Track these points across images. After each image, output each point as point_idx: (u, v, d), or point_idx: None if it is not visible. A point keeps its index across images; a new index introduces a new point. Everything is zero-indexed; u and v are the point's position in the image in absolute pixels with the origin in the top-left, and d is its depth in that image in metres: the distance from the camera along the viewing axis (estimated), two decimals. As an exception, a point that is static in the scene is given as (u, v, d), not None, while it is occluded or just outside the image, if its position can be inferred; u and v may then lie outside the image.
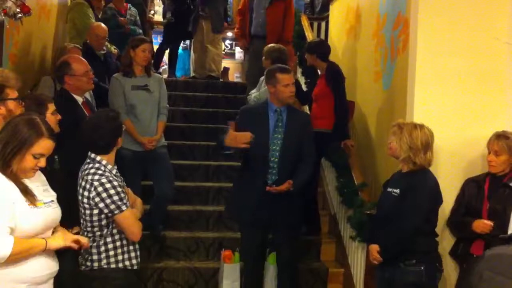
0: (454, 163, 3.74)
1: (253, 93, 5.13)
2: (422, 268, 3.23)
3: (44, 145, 2.46)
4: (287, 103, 3.99)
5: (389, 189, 3.42)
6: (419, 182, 3.28)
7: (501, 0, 3.84)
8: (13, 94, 2.90)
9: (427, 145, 3.29)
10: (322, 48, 5.14)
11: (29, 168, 2.45)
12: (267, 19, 6.27)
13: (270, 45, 5.37)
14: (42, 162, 2.48)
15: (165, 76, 8.35)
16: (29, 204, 2.41)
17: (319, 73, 5.34)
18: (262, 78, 5.41)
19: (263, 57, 5.24)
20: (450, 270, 3.72)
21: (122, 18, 6.97)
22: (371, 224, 3.72)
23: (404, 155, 3.30)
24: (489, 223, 3.39)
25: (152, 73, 4.84)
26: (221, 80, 8.38)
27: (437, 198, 3.34)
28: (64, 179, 3.12)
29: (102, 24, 5.71)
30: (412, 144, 3.27)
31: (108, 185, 2.88)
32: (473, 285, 1.30)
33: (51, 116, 3.29)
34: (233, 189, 4.33)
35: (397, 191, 3.33)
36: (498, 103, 3.81)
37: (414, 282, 3.22)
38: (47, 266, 2.48)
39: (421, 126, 3.33)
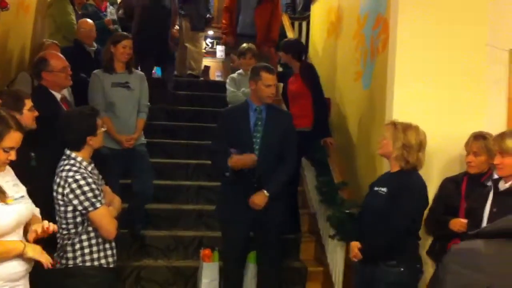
0: (433, 162, 3.77)
1: (244, 90, 5.12)
2: (402, 269, 3.22)
3: (14, 138, 2.43)
4: (267, 102, 3.99)
5: (376, 188, 3.40)
6: (411, 182, 3.28)
7: (481, 1, 3.88)
8: None
9: (421, 145, 3.31)
10: (296, 47, 5.16)
11: (1, 163, 2.42)
12: (255, 19, 6.30)
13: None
14: (13, 155, 2.45)
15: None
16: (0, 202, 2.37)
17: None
18: (235, 75, 5.43)
19: (249, 54, 5.27)
20: (427, 269, 3.73)
21: (106, 19, 6.94)
22: (355, 222, 3.71)
23: (397, 152, 3.29)
24: (466, 221, 3.41)
25: (133, 70, 4.80)
26: (201, 78, 8.35)
27: (425, 200, 3.36)
28: (41, 176, 3.07)
29: (88, 19, 5.70)
30: (406, 142, 3.28)
31: (82, 182, 2.85)
32: (440, 278, 1.31)
33: (28, 112, 3.25)
34: (219, 190, 4.33)
35: (384, 189, 3.31)
36: (477, 103, 3.85)
37: (394, 282, 3.21)
38: (22, 263, 2.45)
39: (416, 127, 3.34)
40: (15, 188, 2.51)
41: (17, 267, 2.41)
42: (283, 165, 3.95)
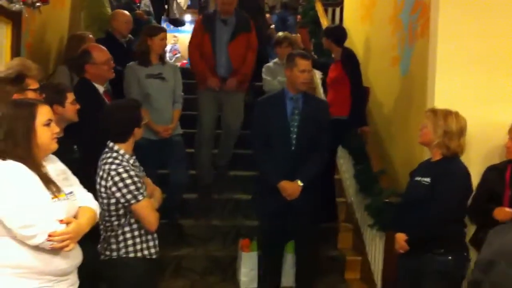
0: (476, 150, 3.68)
1: (279, 79, 5.09)
2: (450, 257, 3.17)
3: (46, 110, 2.41)
4: (301, 90, 3.97)
5: (418, 178, 3.35)
6: (453, 170, 3.23)
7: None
8: (34, 84, 2.88)
9: (461, 131, 3.26)
10: (337, 33, 5.12)
11: (49, 140, 2.39)
12: (229, 56, 5.07)
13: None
14: (55, 128, 2.42)
15: (178, 64, 8.33)
16: (52, 198, 2.35)
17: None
18: (271, 64, 5.38)
19: (286, 43, 5.23)
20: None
21: (138, 11, 6.96)
22: (397, 212, 3.67)
23: (438, 140, 3.25)
24: (510, 210, 3.34)
25: (166, 61, 4.83)
26: None
27: (469, 187, 3.30)
28: (84, 169, 3.10)
29: (125, 11, 5.71)
30: (447, 128, 3.23)
31: (125, 175, 2.87)
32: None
33: (71, 106, 3.28)
34: (255, 179, 4.34)
35: (428, 179, 3.26)
36: (520, 90, 3.75)
37: (442, 271, 3.16)
38: (72, 257, 2.44)
39: (456, 113, 3.29)
40: (65, 182, 2.50)
41: (66, 262, 2.41)
42: (317, 155, 3.93)
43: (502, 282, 0.91)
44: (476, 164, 3.68)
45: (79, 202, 2.54)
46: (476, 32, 3.73)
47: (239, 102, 5.20)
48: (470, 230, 3.66)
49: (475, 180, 3.63)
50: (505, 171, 3.52)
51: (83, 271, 2.67)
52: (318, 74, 6.53)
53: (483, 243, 3.49)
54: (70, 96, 3.30)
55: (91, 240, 2.88)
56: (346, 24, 6.65)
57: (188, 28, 11.93)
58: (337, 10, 7.44)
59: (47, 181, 2.37)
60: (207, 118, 5.16)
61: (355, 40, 6.05)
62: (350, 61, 4.89)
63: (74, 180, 2.61)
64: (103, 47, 4.09)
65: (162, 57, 4.77)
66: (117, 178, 2.87)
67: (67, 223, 2.34)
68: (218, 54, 5.08)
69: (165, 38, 4.68)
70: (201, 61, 5.09)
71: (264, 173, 3.98)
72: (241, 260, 4.40)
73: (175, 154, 4.72)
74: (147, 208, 2.95)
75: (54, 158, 2.55)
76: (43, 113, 2.40)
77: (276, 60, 5.40)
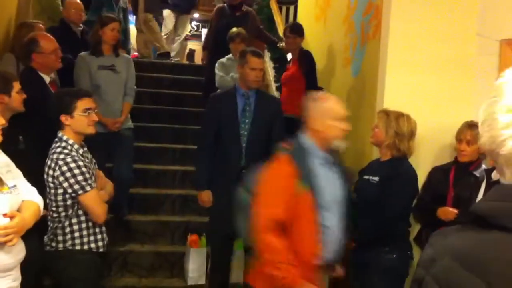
0: (422, 151, 3.78)
1: (233, 75, 5.07)
2: (395, 256, 3.27)
3: None
4: (252, 87, 3.96)
5: (367, 177, 3.42)
6: (404, 170, 3.30)
7: (473, -10, 3.89)
8: None
9: (412, 134, 3.35)
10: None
11: None
12: None
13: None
14: (0, 119, 2.37)
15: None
16: None
17: (289, 57, 5.33)
18: (224, 59, 5.36)
19: (238, 39, 5.20)
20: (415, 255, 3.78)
21: None
22: None
23: (389, 140, 3.32)
24: (454, 210, 3.44)
25: (120, 53, 4.74)
26: (173, 54, 8.25)
27: (415, 188, 3.39)
28: (30, 159, 3.01)
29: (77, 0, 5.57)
30: (398, 130, 3.30)
31: (72, 165, 2.80)
32: None
33: (17, 95, 3.18)
34: None
35: (376, 178, 3.34)
36: (467, 93, 3.86)
37: (387, 268, 3.25)
38: (16, 252, 2.37)
39: (408, 115, 3.38)
40: (8, 175, 2.43)
41: (8, 258, 2.34)
42: (269, 153, 3.93)
43: (444, 274, 0.94)
44: (424, 164, 3.78)
45: (23, 196, 2.47)
46: (427, 35, 3.83)
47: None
48: (415, 228, 3.77)
49: (422, 179, 3.73)
50: (450, 172, 3.63)
51: (26, 266, 2.60)
52: (271, 72, 6.57)
53: (427, 242, 3.60)
54: (16, 85, 3.20)
55: (36, 234, 2.81)
56: (300, 23, 6.70)
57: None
58: (291, 8, 7.50)
59: None
60: None
61: (309, 40, 6.11)
62: (309, 61, 4.93)
63: (18, 173, 2.54)
64: (51, 36, 3.98)
65: (115, 48, 4.67)
66: (64, 168, 2.80)
67: (11, 217, 2.27)
68: None
69: (115, 29, 4.57)
70: None
71: (196, 173, 3.97)
72: (190, 256, 4.37)
73: (121, 148, 4.62)
74: (95, 199, 2.89)
75: None
76: None
77: (229, 56, 5.38)
